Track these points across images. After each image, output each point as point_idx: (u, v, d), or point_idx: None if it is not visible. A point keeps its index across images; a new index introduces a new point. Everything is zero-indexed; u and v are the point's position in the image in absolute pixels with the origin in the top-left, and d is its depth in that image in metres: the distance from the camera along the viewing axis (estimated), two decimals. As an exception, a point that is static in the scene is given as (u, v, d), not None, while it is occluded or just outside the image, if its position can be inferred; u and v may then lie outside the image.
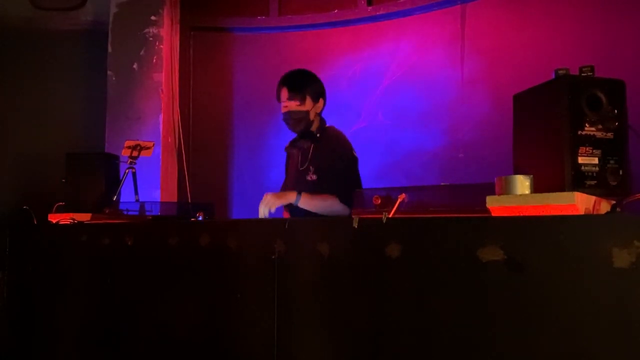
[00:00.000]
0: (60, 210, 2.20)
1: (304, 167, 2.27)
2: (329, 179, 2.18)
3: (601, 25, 2.69)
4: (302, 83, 2.26)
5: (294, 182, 2.31)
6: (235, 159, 3.83)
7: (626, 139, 1.07)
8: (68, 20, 3.86)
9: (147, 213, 2.07)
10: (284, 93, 2.24)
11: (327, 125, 2.34)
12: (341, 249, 1.22)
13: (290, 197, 2.08)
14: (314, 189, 2.17)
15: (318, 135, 2.28)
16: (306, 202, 2.09)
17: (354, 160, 2.28)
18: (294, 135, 2.38)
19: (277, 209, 2.26)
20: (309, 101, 2.24)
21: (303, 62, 3.66)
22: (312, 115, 2.27)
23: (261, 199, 2.09)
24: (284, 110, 2.26)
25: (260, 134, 3.76)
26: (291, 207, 2.27)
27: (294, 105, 2.22)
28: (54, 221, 2.12)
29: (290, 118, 2.25)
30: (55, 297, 1.97)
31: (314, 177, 2.21)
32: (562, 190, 1.01)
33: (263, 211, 2.04)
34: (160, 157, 3.31)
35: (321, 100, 2.29)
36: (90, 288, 1.86)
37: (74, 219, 2.05)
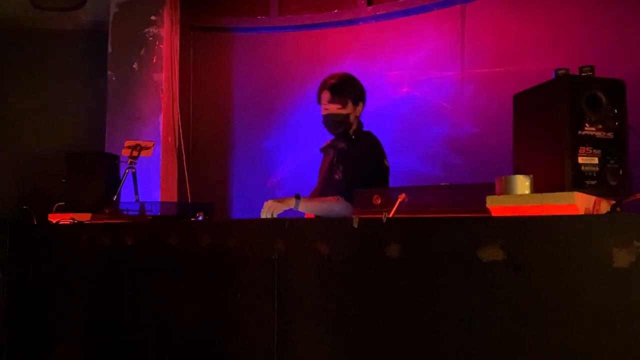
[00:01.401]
0: (60, 210, 2.20)
1: (335, 166, 2.31)
2: (349, 178, 2.21)
3: (601, 25, 2.68)
4: (344, 87, 2.28)
5: (324, 181, 2.34)
6: (235, 159, 3.83)
7: (626, 139, 1.07)
8: (68, 20, 3.87)
9: (147, 213, 2.07)
10: (326, 96, 2.27)
11: (365, 129, 2.37)
12: (341, 249, 1.22)
13: (290, 203, 2.09)
14: (339, 187, 2.20)
15: (353, 137, 2.31)
16: (305, 206, 2.11)
17: (382, 167, 2.29)
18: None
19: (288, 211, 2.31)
20: (349, 105, 2.28)
21: (303, 62, 3.68)
22: (352, 118, 2.30)
23: (261, 198, 2.09)
24: (324, 112, 2.29)
25: (260, 133, 3.76)
26: None
27: (334, 108, 2.26)
28: (54, 221, 2.12)
29: (330, 120, 2.27)
30: (56, 297, 1.97)
31: (340, 175, 2.25)
32: (562, 190, 1.01)
33: (265, 217, 2.04)
34: (160, 157, 3.31)
35: (361, 104, 2.33)
36: (90, 288, 1.86)
37: (74, 219, 2.05)
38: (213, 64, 3.86)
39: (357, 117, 2.33)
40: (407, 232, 1.12)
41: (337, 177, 2.26)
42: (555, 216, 0.96)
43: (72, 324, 1.90)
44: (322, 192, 2.31)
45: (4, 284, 2.13)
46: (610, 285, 0.85)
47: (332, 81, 2.27)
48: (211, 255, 1.50)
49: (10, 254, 2.13)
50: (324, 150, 2.44)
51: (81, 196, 2.24)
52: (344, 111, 2.26)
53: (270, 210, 2.02)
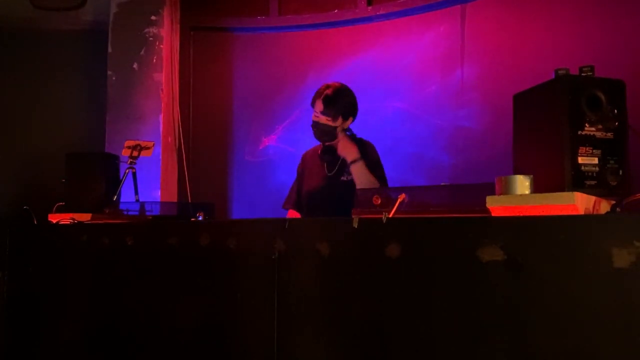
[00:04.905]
0: (60, 210, 2.19)
1: (334, 172, 2.39)
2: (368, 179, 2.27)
3: (601, 25, 2.68)
4: (338, 101, 2.34)
5: (324, 186, 2.41)
6: (235, 159, 3.83)
7: (626, 139, 1.07)
8: (68, 20, 3.86)
9: (147, 213, 2.07)
10: (319, 106, 2.33)
11: (358, 136, 2.45)
12: (341, 249, 1.22)
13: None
14: (348, 189, 2.24)
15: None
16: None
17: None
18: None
19: (284, 211, 2.46)
20: (339, 119, 2.35)
21: (303, 62, 3.68)
22: (338, 130, 2.36)
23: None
24: (314, 119, 2.36)
25: (260, 133, 3.76)
26: (299, 208, 2.44)
27: (324, 119, 2.33)
28: (54, 221, 2.12)
29: (318, 129, 2.35)
30: (56, 297, 1.97)
31: (350, 177, 2.31)
32: (562, 190, 1.01)
33: None
34: (160, 157, 3.30)
35: (350, 119, 2.40)
36: (91, 288, 1.86)
37: (74, 219, 2.04)
38: (213, 64, 3.86)
39: (344, 129, 2.40)
40: (407, 232, 1.12)
41: (345, 179, 2.35)
42: (555, 216, 0.96)
43: (72, 324, 1.90)
44: (320, 194, 2.38)
45: (4, 284, 2.13)
46: (610, 285, 0.85)
47: (328, 92, 2.32)
48: (211, 255, 1.50)
49: (10, 254, 2.13)
50: (309, 156, 2.54)
51: (81, 196, 2.24)
52: (332, 124, 2.33)
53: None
